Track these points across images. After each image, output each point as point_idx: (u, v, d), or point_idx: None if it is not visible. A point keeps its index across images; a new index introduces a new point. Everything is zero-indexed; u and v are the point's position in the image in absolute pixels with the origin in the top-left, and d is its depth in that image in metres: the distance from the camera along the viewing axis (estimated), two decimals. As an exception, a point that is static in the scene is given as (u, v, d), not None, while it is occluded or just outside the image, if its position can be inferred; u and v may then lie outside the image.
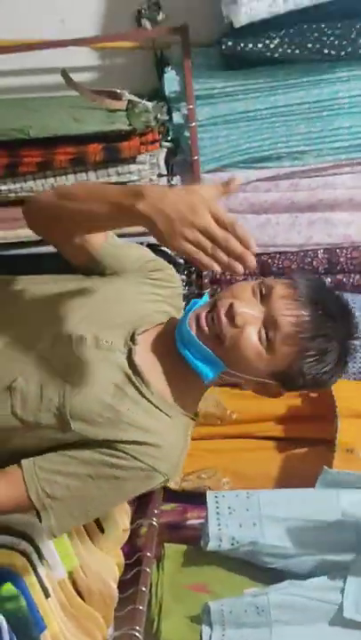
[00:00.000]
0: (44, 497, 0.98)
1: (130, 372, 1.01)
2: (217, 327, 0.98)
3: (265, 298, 1.00)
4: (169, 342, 1.04)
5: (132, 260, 1.14)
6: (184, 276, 1.85)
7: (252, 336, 0.97)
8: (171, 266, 1.21)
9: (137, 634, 1.23)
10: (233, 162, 1.82)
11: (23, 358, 1.02)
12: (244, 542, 1.38)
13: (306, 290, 1.01)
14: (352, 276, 1.96)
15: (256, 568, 1.44)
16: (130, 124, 1.58)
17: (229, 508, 1.42)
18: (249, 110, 1.76)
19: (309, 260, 1.94)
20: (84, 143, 1.61)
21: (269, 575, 1.42)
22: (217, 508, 1.42)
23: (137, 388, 1.01)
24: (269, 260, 1.95)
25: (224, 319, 0.98)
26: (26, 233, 1.67)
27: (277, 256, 1.95)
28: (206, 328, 0.99)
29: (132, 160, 1.65)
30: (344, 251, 1.93)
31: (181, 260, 1.82)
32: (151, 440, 0.99)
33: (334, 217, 1.88)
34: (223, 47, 1.65)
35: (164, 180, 1.71)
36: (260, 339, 0.98)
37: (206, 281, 1.98)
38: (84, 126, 1.59)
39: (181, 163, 1.83)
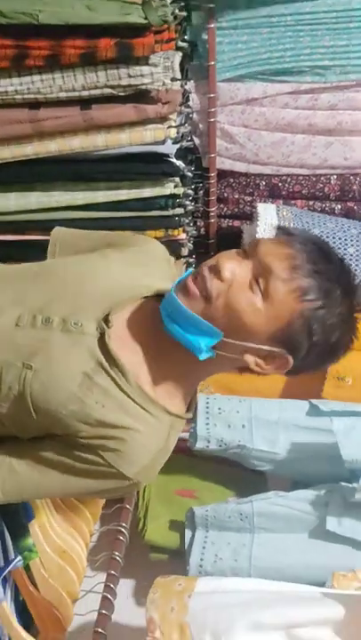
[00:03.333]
0: None
1: (102, 358, 0.87)
2: (202, 286, 0.85)
3: (251, 253, 0.88)
4: (153, 321, 0.89)
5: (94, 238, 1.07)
6: (190, 191, 1.79)
7: (243, 287, 0.84)
8: (150, 239, 1.09)
9: (123, 529, 1.28)
10: (251, 72, 1.74)
11: None
12: (231, 445, 1.39)
13: (297, 236, 0.90)
14: (363, 204, 1.91)
15: (244, 479, 1.48)
16: (145, 18, 1.48)
17: (219, 408, 1.43)
18: (273, 15, 1.66)
19: (321, 185, 1.89)
20: (96, 37, 1.51)
21: (257, 487, 1.46)
22: (207, 408, 1.43)
23: (111, 378, 0.87)
24: (280, 184, 1.90)
25: (209, 275, 0.85)
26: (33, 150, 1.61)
27: (288, 179, 1.90)
28: (196, 291, 0.85)
29: (145, 61, 1.55)
30: (358, 178, 1.88)
31: (189, 174, 1.77)
32: (119, 435, 0.86)
33: (353, 140, 1.81)
34: None
35: (177, 85, 1.62)
36: (251, 289, 0.84)
37: (213, 198, 1.93)
38: (96, 15, 1.48)
39: (197, 68, 1.74)
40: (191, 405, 0.96)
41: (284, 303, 0.84)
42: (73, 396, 0.87)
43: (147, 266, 1.00)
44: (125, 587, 1.42)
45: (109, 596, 1.15)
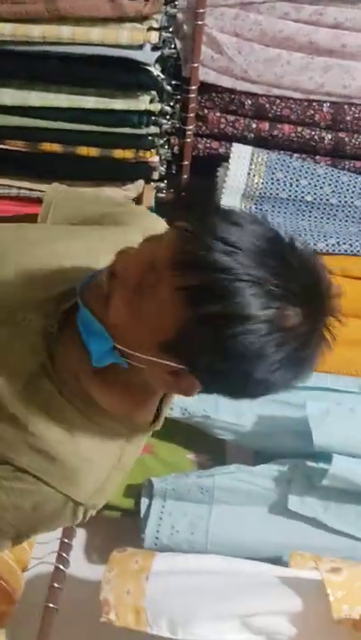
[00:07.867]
0: None
1: (47, 360, 0.74)
2: (101, 282, 0.69)
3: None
4: None
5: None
6: (168, 107, 1.57)
7: (126, 283, 0.67)
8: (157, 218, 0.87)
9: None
10: (250, -30, 1.46)
11: None
12: (195, 415, 1.33)
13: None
14: (355, 136, 1.74)
15: (203, 438, 1.44)
16: None
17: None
18: None
19: (312, 112, 1.70)
20: None
21: (215, 447, 1.42)
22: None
23: (54, 383, 0.74)
24: (267, 105, 1.69)
25: (105, 273, 0.69)
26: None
27: (277, 101, 1.69)
28: (101, 289, 0.69)
29: None
30: (353, 109, 1.69)
31: (169, 87, 1.54)
32: (60, 453, 0.72)
33: (355, 66, 1.60)
34: None
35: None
36: (134, 285, 0.67)
37: (192, 115, 1.71)
38: None
39: None
40: (159, 417, 0.82)
41: (167, 299, 0.63)
42: (15, 400, 0.73)
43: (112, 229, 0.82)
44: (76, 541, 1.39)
45: (62, 567, 1.11)
